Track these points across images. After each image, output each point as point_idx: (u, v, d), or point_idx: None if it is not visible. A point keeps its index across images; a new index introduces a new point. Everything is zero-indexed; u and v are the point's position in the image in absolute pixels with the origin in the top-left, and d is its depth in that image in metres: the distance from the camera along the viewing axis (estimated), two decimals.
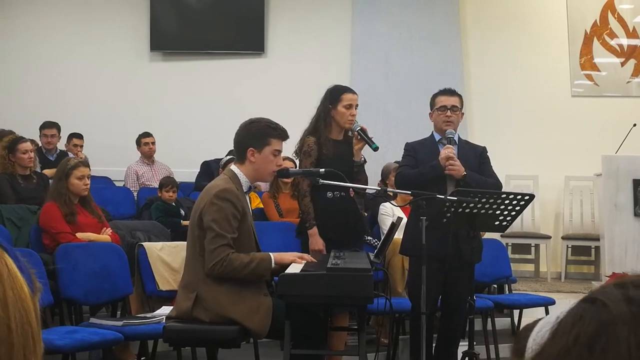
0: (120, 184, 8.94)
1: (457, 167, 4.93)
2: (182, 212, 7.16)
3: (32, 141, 7.12)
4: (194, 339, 4.17)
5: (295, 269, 3.88)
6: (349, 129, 5.11)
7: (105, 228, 5.59)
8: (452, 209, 4.48)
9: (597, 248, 8.65)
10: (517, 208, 4.58)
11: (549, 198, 9.34)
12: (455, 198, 4.41)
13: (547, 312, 6.12)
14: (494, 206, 4.54)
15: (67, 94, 9.99)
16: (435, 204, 4.45)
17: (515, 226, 7.38)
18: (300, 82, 9.51)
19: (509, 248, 8.40)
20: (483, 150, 5.27)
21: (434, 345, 5.18)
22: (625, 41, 9.55)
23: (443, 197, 4.42)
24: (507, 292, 6.74)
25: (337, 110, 5.07)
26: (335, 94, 5.11)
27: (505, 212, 4.60)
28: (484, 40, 9.75)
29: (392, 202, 6.45)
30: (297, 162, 5.39)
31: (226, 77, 9.94)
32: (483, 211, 4.54)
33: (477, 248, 4.86)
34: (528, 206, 4.76)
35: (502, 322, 6.68)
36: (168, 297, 5.26)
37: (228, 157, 7.01)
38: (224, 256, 3.87)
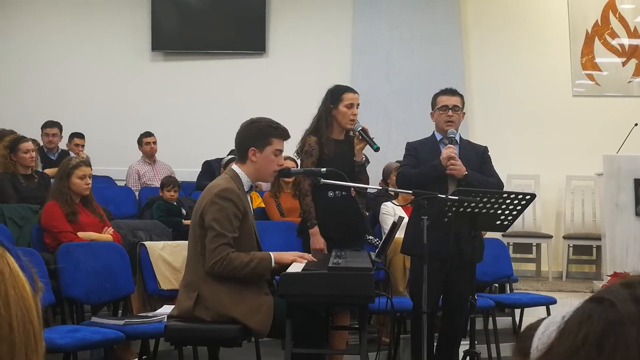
0: (122, 184, 8.95)
1: (458, 166, 4.93)
2: (184, 211, 7.17)
3: (34, 141, 7.12)
4: (195, 338, 4.17)
5: (296, 268, 3.88)
6: (351, 128, 5.11)
7: (106, 227, 5.60)
8: (454, 209, 4.48)
9: (599, 247, 8.65)
10: (519, 207, 4.58)
11: (550, 197, 9.34)
12: (457, 197, 4.41)
13: (548, 312, 6.12)
14: (495, 206, 4.54)
15: (68, 94, 10.00)
16: (437, 203, 4.45)
17: (517, 226, 7.36)
18: (301, 82, 9.51)
19: (510, 247, 8.40)
20: (484, 149, 5.27)
21: (435, 344, 5.18)
22: (626, 41, 9.55)
23: (444, 196, 4.42)
24: (509, 292, 6.74)
25: (339, 110, 5.08)
26: (336, 94, 5.11)
27: (507, 212, 4.60)
28: (485, 40, 9.74)
29: (393, 201, 6.45)
30: (299, 161, 5.39)
31: (227, 77, 9.95)
32: (484, 211, 4.54)
33: (478, 247, 4.86)
34: (529, 206, 4.76)
35: (503, 322, 6.68)
36: (169, 296, 5.26)
37: (229, 156, 7.02)
38: (224, 255, 3.88)
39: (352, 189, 4.97)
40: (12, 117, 8.92)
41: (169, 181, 7.33)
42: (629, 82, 9.51)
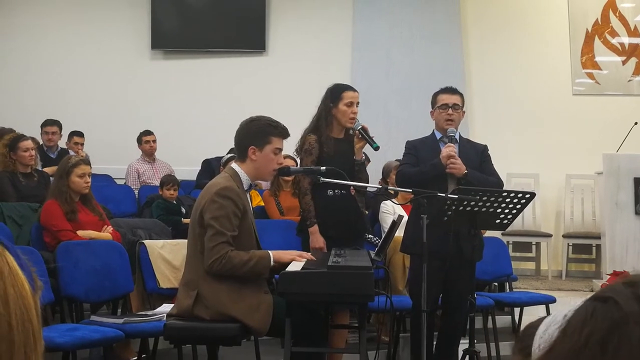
0: (121, 182, 8.94)
1: (458, 165, 4.93)
2: (183, 210, 7.17)
3: (33, 139, 7.12)
4: (194, 337, 4.17)
5: (296, 266, 3.88)
6: (350, 127, 5.11)
7: (106, 226, 5.60)
8: (453, 207, 4.48)
9: (598, 246, 8.66)
10: (518, 206, 4.58)
11: (550, 196, 9.34)
12: (456, 196, 4.41)
13: (548, 311, 6.12)
14: (495, 204, 4.54)
15: (67, 93, 9.99)
16: (436, 202, 4.45)
17: (516, 224, 7.37)
18: (301, 80, 9.51)
19: (510, 246, 8.40)
20: (484, 148, 5.27)
21: (434, 343, 5.19)
22: (626, 40, 9.55)
23: (444, 195, 4.42)
24: (508, 290, 6.74)
25: (339, 109, 5.07)
26: (336, 92, 5.11)
27: (506, 211, 4.60)
28: (485, 39, 9.74)
29: (393, 200, 6.45)
30: (298, 160, 5.39)
31: (227, 76, 9.94)
32: (484, 209, 4.53)
33: (478, 246, 4.86)
34: (529, 204, 4.76)
35: (502, 320, 6.69)
36: (169, 295, 5.26)
37: (229, 155, 7.01)
38: (223, 253, 3.88)
39: (352, 187, 4.97)
40: (12, 115, 8.92)
41: (169, 180, 7.33)
42: (629, 80, 9.51)
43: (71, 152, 8.23)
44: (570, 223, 9.17)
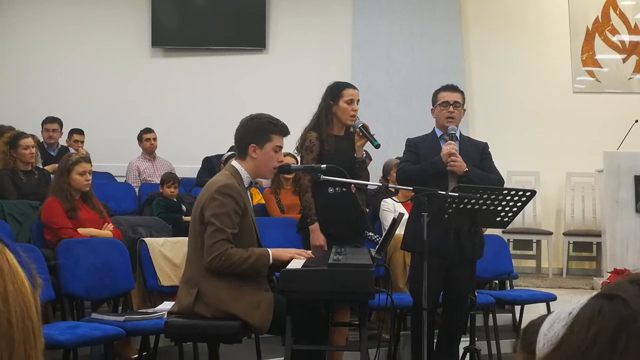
0: (122, 180, 8.94)
1: (459, 163, 4.93)
2: (184, 208, 7.17)
3: (34, 137, 7.12)
4: (195, 334, 4.17)
5: (296, 264, 3.88)
6: (351, 125, 5.10)
7: (106, 224, 5.60)
8: (454, 205, 4.48)
9: (599, 244, 8.66)
10: (519, 204, 4.58)
11: (550, 194, 9.33)
12: (457, 194, 4.41)
13: (548, 308, 6.12)
14: (496, 202, 4.54)
15: (68, 91, 10.00)
16: (437, 200, 4.45)
17: (517, 222, 7.37)
18: (302, 78, 9.51)
19: (511, 244, 8.40)
20: (485, 146, 5.27)
21: (435, 341, 5.19)
22: (627, 37, 9.54)
23: (444, 193, 4.42)
24: (509, 288, 6.74)
25: (339, 106, 5.07)
26: (336, 90, 5.11)
27: (507, 208, 4.60)
28: (485, 37, 9.73)
29: (393, 198, 6.45)
30: (299, 158, 5.39)
31: (227, 73, 9.94)
32: (485, 207, 4.53)
33: (478, 244, 4.86)
34: (529, 202, 4.76)
35: (503, 318, 6.69)
36: (169, 293, 5.27)
37: (229, 152, 7.01)
38: (222, 250, 3.88)
39: (353, 185, 4.97)
40: (13, 114, 8.92)
41: (169, 177, 7.33)
42: (630, 78, 9.50)
43: (71, 150, 8.23)
44: (570, 221, 9.17)
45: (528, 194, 4.57)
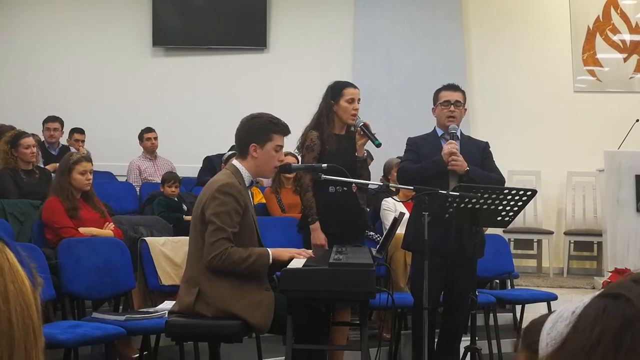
0: (123, 179, 8.95)
1: (460, 162, 4.93)
2: (185, 207, 7.17)
3: (35, 136, 7.12)
4: (196, 334, 4.17)
5: (297, 264, 3.88)
6: (352, 124, 5.10)
7: (107, 223, 5.60)
8: (455, 205, 4.47)
9: (600, 243, 8.66)
10: (520, 203, 4.58)
11: (551, 193, 9.33)
12: (458, 193, 4.41)
13: (549, 308, 6.12)
14: (497, 201, 4.54)
15: (69, 90, 10.00)
16: (438, 199, 4.45)
17: (518, 222, 7.37)
18: (303, 78, 9.50)
19: (512, 243, 8.40)
20: (486, 145, 5.27)
21: (436, 340, 5.19)
22: (628, 37, 9.54)
23: (445, 192, 4.42)
24: (510, 288, 6.74)
25: (340, 105, 5.07)
26: (336, 89, 5.12)
27: (508, 208, 4.60)
28: (487, 37, 9.73)
29: (394, 197, 6.45)
30: (299, 157, 5.39)
31: (228, 73, 9.94)
32: (485, 206, 4.53)
33: (479, 243, 4.86)
34: (530, 202, 4.76)
35: (504, 318, 6.69)
36: (170, 292, 5.27)
37: (230, 152, 7.01)
38: (223, 250, 3.88)
39: (353, 184, 4.97)
40: (14, 113, 8.93)
41: (170, 177, 7.33)
42: (630, 78, 9.50)
43: (72, 149, 8.23)
44: (571, 220, 9.16)
45: (529, 193, 4.57)
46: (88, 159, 5.72)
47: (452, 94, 5.17)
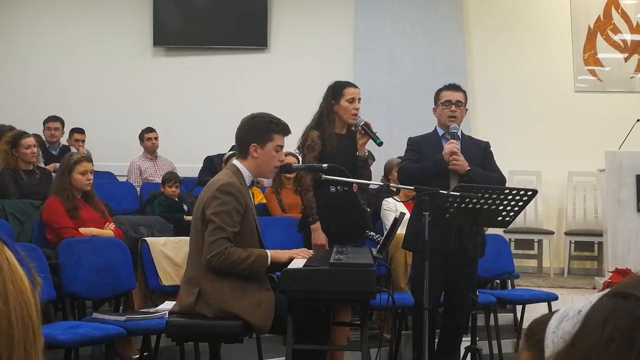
0: (123, 179, 8.95)
1: (461, 162, 4.93)
2: (185, 207, 7.17)
3: (35, 136, 7.12)
4: (196, 334, 4.17)
5: (298, 264, 3.88)
6: (353, 123, 5.10)
7: (108, 223, 5.59)
8: (455, 205, 4.47)
9: (600, 244, 8.65)
10: (520, 203, 4.58)
11: (552, 194, 9.33)
12: (458, 193, 4.40)
13: (550, 308, 6.11)
14: (497, 201, 4.54)
15: (70, 90, 10.00)
16: (438, 199, 4.45)
17: (518, 222, 7.37)
18: (303, 77, 9.50)
19: (512, 243, 8.39)
20: (486, 145, 5.27)
21: (436, 340, 5.18)
22: (629, 36, 9.53)
23: (446, 192, 4.41)
24: (510, 288, 6.74)
25: (340, 105, 5.07)
26: (337, 89, 5.12)
27: (509, 208, 4.59)
28: (487, 37, 9.73)
29: (394, 197, 6.45)
30: (300, 157, 5.39)
31: (229, 73, 9.94)
32: (486, 206, 4.53)
33: (480, 243, 4.85)
34: (531, 202, 4.76)
35: (504, 318, 6.69)
36: (171, 292, 5.27)
37: (231, 152, 7.01)
38: (222, 249, 3.87)
39: (354, 184, 4.96)
40: (15, 113, 8.93)
41: (171, 177, 7.33)
42: (631, 77, 9.49)
43: (72, 149, 8.24)
44: (572, 220, 9.16)
45: (529, 193, 4.57)
46: (89, 159, 5.72)
47: (454, 94, 5.17)
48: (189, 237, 4.20)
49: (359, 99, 5.13)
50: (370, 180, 5.19)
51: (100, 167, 8.12)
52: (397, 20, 9.63)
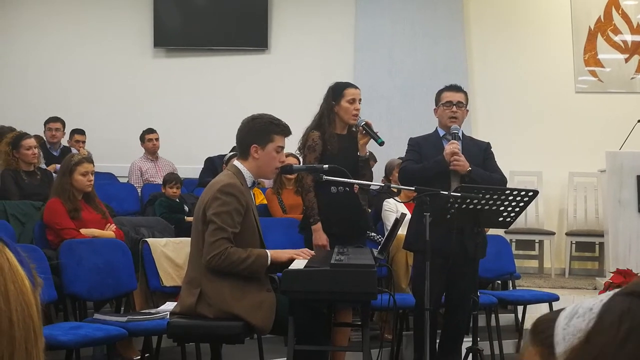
0: (124, 180, 8.95)
1: (462, 162, 4.93)
2: (186, 208, 7.17)
3: (37, 136, 7.12)
4: (198, 335, 4.17)
5: (299, 264, 3.88)
6: (354, 124, 5.10)
7: (109, 224, 5.60)
8: (456, 205, 4.47)
9: (601, 244, 8.65)
10: (521, 204, 4.58)
11: (553, 194, 9.33)
12: (459, 194, 4.40)
13: (551, 308, 6.11)
14: (498, 202, 4.54)
15: (70, 91, 10.01)
16: (439, 200, 4.45)
17: (519, 222, 7.36)
18: (304, 78, 9.51)
19: (513, 244, 8.39)
20: (487, 145, 5.26)
21: (437, 341, 5.18)
22: (629, 37, 9.53)
23: (447, 193, 4.41)
24: (511, 288, 6.73)
25: (341, 106, 5.07)
26: (337, 90, 5.12)
27: (509, 208, 4.59)
28: (488, 37, 9.73)
29: (395, 198, 6.45)
30: (301, 158, 5.39)
31: (229, 74, 9.95)
32: (487, 207, 4.53)
33: (481, 244, 4.86)
34: (532, 202, 4.76)
35: (506, 318, 6.69)
36: (172, 293, 5.27)
37: (231, 153, 7.01)
38: (222, 249, 3.87)
39: (355, 185, 4.96)
40: (15, 114, 8.94)
41: (172, 178, 7.33)
42: (632, 78, 9.49)
43: (73, 150, 8.24)
44: (573, 221, 9.16)
45: (530, 194, 4.57)
46: (89, 160, 5.72)
47: (455, 95, 5.16)
48: (189, 238, 4.20)
49: (360, 99, 5.13)
50: (371, 180, 5.19)
51: (101, 168, 8.12)
52: (397, 21, 9.64)
